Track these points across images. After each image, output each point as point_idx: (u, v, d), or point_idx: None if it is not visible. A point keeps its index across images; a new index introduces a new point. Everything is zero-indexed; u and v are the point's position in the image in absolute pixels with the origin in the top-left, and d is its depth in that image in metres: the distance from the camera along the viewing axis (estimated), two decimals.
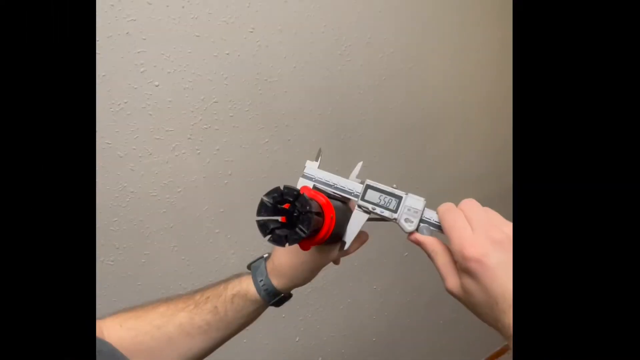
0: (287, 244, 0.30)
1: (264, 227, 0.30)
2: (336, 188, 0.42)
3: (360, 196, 0.41)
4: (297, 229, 0.30)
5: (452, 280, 0.34)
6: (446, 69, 1.14)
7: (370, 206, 0.40)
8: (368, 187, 0.41)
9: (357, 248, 0.45)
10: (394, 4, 0.98)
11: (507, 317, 0.29)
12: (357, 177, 0.43)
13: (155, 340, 0.41)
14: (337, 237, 0.41)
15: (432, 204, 0.40)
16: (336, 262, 0.48)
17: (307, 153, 0.36)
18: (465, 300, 0.34)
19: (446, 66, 1.13)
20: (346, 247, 0.41)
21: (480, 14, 1.16)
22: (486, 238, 0.32)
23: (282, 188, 0.31)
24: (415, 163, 1.17)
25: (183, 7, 0.73)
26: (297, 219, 0.31)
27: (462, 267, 0.33)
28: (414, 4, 1.02)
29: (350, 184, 0.42)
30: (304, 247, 0.38)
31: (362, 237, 0.46)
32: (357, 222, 0.41)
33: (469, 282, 0.32)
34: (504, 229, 0.32)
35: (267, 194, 0.31)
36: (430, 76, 1.11)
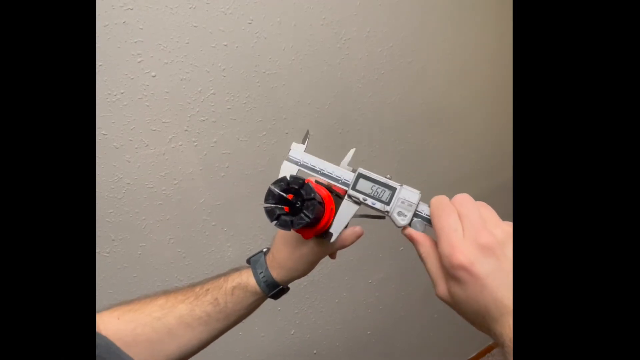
0: (292, 228, 0.33)
1: (271, 213, 0.33)
2: (323, 174, 0.38)
3: (351, 185, 0.38)
4: (302, 214, 0.33)
5: (442, 287, 0.33)
6: (445, 64, 1.13)
7: (361, 196, 0.37)
8: (360, 175, 0.38)
9: (353, 242, 0.46)
10: None
11: (499, 325, 0.28)
12: (349, 164, 0.40)
13: (155, 332, 0.42)
14: None
15: (429, 199, 0.38)
16: (332, 256, 0.48)
17: (308, 148, 0.36)
18: (455, 306, 0.32)
19: (445, 61, 1.13)
20: (333, 238, 0.38)
21: (480, 9, 1.16)
22: (475, 243, 0.30)
23: (288, 178, 0.34)
24: (413, 157, 1.17)
25: None
26: (302, 205, 0.34)
27: (450, 274, 0.31)
28: None
29: (341, 172, 0.38)
30: (306, 236, 0.39)
31: (357, 231, 0.46)
32: (346, 213, 0.38)
33: (457, 290, 0.31)
34: (495, 230, 0.30)
35: (274, 183, 0.34)
36: (429, 71, 1.10)
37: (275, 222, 0.33)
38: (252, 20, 0.80)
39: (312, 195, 0.34)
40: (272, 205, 0.33)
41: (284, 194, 0.34)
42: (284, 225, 0.33)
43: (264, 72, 0.85)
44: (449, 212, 0.32)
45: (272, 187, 0.34)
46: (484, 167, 1.36)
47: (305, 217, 0.33)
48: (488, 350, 1.72)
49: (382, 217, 0.48)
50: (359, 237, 0.46)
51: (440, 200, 0.34)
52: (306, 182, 0.35)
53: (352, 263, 1.15)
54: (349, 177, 0.38)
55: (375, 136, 1.06)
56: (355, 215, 0.50)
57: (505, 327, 0.28)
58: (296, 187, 0.34)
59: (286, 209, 0.34)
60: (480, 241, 0.29)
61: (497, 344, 0.30)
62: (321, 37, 0.90)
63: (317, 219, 0.37)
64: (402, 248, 1.24)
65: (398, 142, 1.11)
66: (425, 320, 1.43)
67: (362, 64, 0.98)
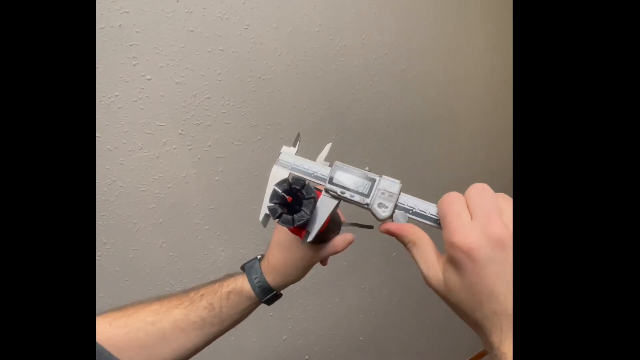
0: (294, 225, 0.34)
1: (274, 211, 0.35)
2: (317, 177, 0.37)
3: (328, 179, 0.36)
4: (302, 212, 0.35)
5: (433, 273, 0.30)
6: (439, 71, 1.15)
7: (339, 190, 0.36)
8: (337, 168, 0.36)
9: (344, 248, 0.47)
10: (389, 6, 0.99)
11: (490, 323, 0.26)
12: (326, 160, 0.39)
13: (148, 336, 0.42)
14: (329, 233, 0.45)
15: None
16: (323, 262, 0.49)
17: (299, 151, 0.37)
18: (446, 295, 0.30)
19: (439, 68, 1.15)
20: (310, 237, 0.37)
21: (476, 16, 1.18)
22: (484, 232, 0.27)
23: (290, 179, 0.35)
24: (408, 163, 1.18)
25: (177, 0, 0.73)
26: (301, 204, 0.35)
27: (448, 256, 0.28)
28: (409, 7, 1.02)
29: (317, 167, 0.37)
30: (303, 236, 0.39)
31: (347, 237, 0.47)
32: (324, 209, 0.36)
33: (452, 275, 0.28)
34: (511, 224, 0.27)
35: (278, 184, 0.35)
36: (423, 78, 1.12)
37: (277, 219, 0.35)
38: (248, 25, 0.81)
39: (313, 195, 0.35)
40: (276, 204, 0.35)
41: (287, 195, 0.35)
42: (286, 223, 0.34)
43: (260, 77, 0.85)
44: (456, 199, 0.30)
45: (276, 188, 0.35)
46: (481, 172, 1.38)
47: (305, 215, 0.34)
48: (480, 355, 1.72)
49: (371, 227, 0.49)
50: (349, 243, 0.47)
51: (449, 192, 0.31)
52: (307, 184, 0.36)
53: (344, 269, 1.16)
54: (326, 172, 0.37)
55: (369, 142, 1.07)
56: (345, 224, 0.51)
57: (497, 328, 0.26)
58: (298, 187, 0.35)
59: (285, 210, 0.36)
60: (490, 231, 0.26)
61: (485, 345, 0.28)
62: (317, 43, 0.90)
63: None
64: (395, 254, 1.24)
65: (392, 147, 1.12)
66: (417, 326, 1.43)
67: (357, 70, 0.99)
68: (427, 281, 0.31)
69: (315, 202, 0.36)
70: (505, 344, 0.25)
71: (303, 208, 0.35)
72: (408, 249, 0.33)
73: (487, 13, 1.20)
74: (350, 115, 1.01)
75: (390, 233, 0.34)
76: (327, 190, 0.36)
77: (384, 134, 1.09)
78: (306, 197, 0.35)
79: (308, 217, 0.35)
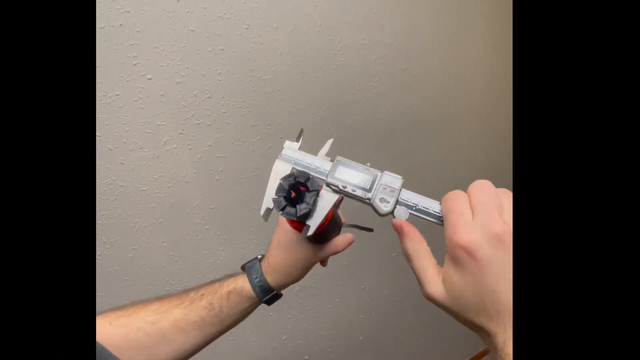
0: (297, 216, 0.35)
1: (279, 204, 0.35)
2: (319, 172, 0.37)
3: (329, 173, 0.36)
4: (304, 203, 0.35)
5: (433, 286, 0.30)
6: (439, 72, 1.15)
7: (340, 184, 0.36)
8: (339, 163, 0.37)
9: (344, 248, 0.47)
10: (389, 6, 0.99)
11: (494, 324, 0.26)
12: (327, 155, 0.39)
13: (148, 336, 0.41)
14: (330, 233, 0.45)
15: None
16: (323, 263, 0.49)
17: (302, 147, 0.37)
18: (447, 302, 0.29)
19: (439, 69, 1.15)
20: (310, 232, 0.36)
21: (473, 18, 1.18)
22: (484, 230, 0.27)
23: (295, 173, 0.36)
24: (408, 163, 1.18)
25: (178, 0, 0.73)
26: (304, 197, 0.36)
27: (451, 255, 0.28)
28: (409, 7, 1.02)
29: (319, 162, 0.38)
30: (302, 230, 0.40)
31: (348, 237, 0.47)
32: (324, 203, 0.36)
33: (454, 277, 0.28)
34: (511, 221, 0.27)
35: (284, 178, 0.36)
36: (423, 78, 1.12)
37: (281, 212, 0.35)
38: (248, 25, 0.81)
39: (316, 188, 0.36)
40: (281, 197, 0.36)
41: (292, 188, 0.36)
42: (290, 215, 0.35)
43: (260, 77, 0.85)
44: (459, 197, 0.30)
45: (282, 181, 0.36)
46: (481, 172, 1.38)
47: (307, 206, 0.35)
48: (480, 355, 1.72)
49: (371, 230, 0.49)
50: (350, 243, 0.47)
51: (453, 191, 0.31)
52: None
53: (344, 269, 1.16)
54: (327, 166, 0.37)
55: (369, 142, 1.07)
56: (345, 225, 0.51)
57: (500, 329, 0.26)
58: (302, 180, 0.36)
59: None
60: (490, 229, 0.27)
61: (488, 347, 0.28)
62: (317, 43, 0.90)
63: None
64: (394, 254, 1.24)
65: (392, 147, 1.12)
66: (417, 326, 1.43)
67: (357, 70, 0.99)
68: (426, 292, 0.31)
69: (319, 192, 0.36)
70: (509, 345, 0.25)
71: (306, 200, 0.35)
72: (407, 259, 0.33)
73: (487, 13, 1.20)
74: (350, 116, 1.01)
75: (397, 229, 0.33)
76: (328, 185, 0.36)
77: (384, 134, 1.09)
78: (310, 190, 0.36)
79: (310, 207, 0.35)
